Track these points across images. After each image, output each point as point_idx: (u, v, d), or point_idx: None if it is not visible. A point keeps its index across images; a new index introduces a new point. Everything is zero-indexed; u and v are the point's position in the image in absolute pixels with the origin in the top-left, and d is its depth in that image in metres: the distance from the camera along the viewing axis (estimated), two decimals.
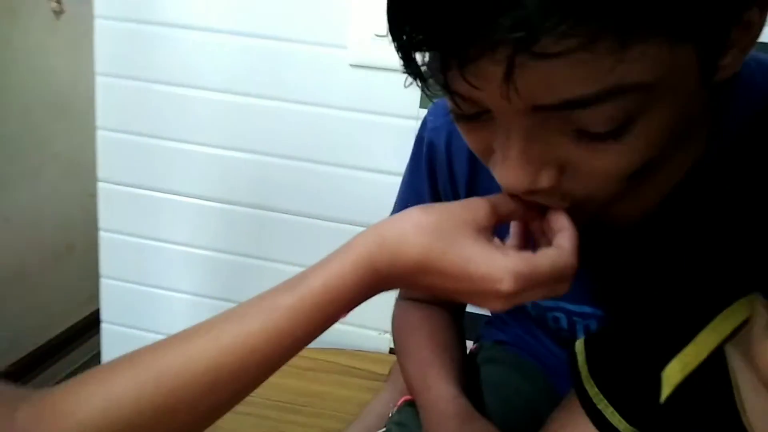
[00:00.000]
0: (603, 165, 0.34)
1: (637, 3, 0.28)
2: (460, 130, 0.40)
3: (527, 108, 0.32)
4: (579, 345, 0.50)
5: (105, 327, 1.20)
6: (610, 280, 0.54)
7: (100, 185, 1.11)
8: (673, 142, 0.36)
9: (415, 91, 0.95)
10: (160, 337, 0.37)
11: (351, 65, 0.96)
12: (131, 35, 1.02)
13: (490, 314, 0.78)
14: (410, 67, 0.35)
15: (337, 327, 1.07)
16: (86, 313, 1.53)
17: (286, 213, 1.06)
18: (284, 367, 0.97)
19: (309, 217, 1.06)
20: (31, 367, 1.39)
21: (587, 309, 0.58)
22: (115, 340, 1.20)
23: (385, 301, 1.04)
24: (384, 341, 1.09)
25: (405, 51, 0.34)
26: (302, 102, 1.00)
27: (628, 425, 0.44)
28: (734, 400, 0.42)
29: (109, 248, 1.15)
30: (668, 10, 0.29)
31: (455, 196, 0.58)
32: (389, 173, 1.00)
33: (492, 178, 0.56)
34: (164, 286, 1.15)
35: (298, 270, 0.41)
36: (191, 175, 1.08)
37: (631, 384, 0.45)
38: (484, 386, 0.65)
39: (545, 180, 0.35)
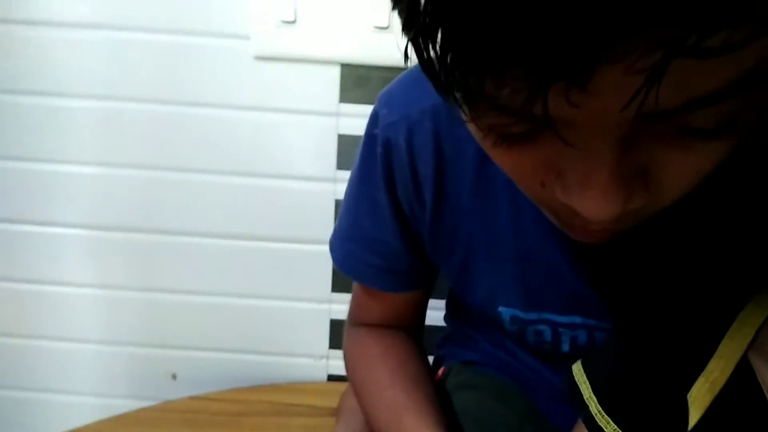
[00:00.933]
0: (695, 168, 0.27)
1: None
2: (496, 154, 0.30)
3: (636, 116, 0.23)
4: (579, 372, 0.42)
5: None
6: (605, 285, 0.46)
7: None
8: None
9: (332, 84, 0.84)
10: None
11: (255, 58, 0.83)
12: None
13: (449, 328, 0.69)
14: (472, 95, 0.25)
15: (267, 359, 0.96)
16: None
17: (190, 235, 0.91)
18: (211, 417, 0.84)
19: (218, 238, 0.91)
20: None
21: (577, 319, 0.50)
22: None
23: (316, 324, 0.94)
24: (321, 368, 0.97)
25: (473, 74, 0.23)
26: (199, 104, 0.85)
27: None
28: None
29: None
30: None
31: (419, 203, 0.48)
32: (310, 179, 0.88)
33: (463, 181, 0.46)
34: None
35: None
36: (63, 201, 0.90)
37: (653, 414, 0.38)
38: (462, 418, 0.55)
39: (638, 200, 0.27)
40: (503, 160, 0.30)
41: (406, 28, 0.24)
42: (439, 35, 0.23)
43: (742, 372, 0.35)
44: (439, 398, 0.55)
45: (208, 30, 0.82)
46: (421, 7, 0.22)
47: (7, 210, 0.90)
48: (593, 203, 0.27)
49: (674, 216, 0.35)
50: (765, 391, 0.35)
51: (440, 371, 0.63)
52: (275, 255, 0.91)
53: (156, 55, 0.83)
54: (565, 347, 0.51)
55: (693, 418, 0.36)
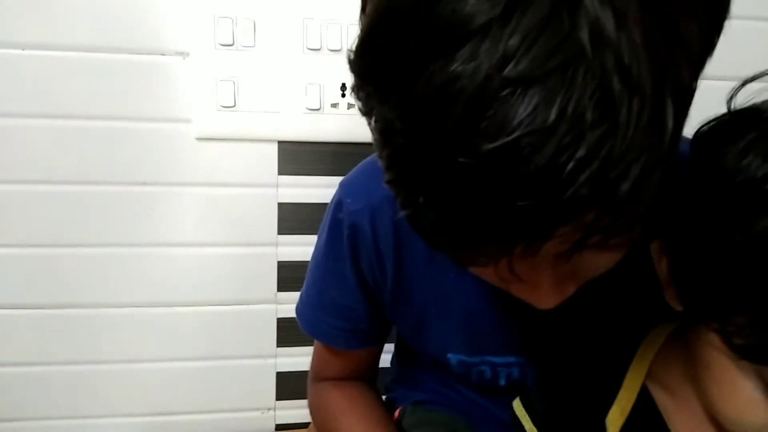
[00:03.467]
0: (608, 262, 0.38)
1: None
2: (471, 270, 0.40)
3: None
4: (518, 407, 0.52)
5: None
6: (532, 328, 0.57)
7: None
8: None
9: (271, 159, 0.91)
10: None
11: (197, 138, 0.89)
12: None
13: (397, 371, 0.77)
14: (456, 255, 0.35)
15: (213, 417, 0.98)
16: None
17: (131, 306, 0.94)
18: None
19: (166, 306, 0.94)
20: None
21: (511, 359, 0.60)
22: None
23: (261, 376, 0.99)
24: (269, 420, 1.01)
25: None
26: (147, 183, 0.89)
27: None
28: (667, 424, 0.47)
29: None
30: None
31: (382, 274, 0.57)
32: (254, 245, 0.94)
33: (417, 254, 0.55)
34: None
35: None
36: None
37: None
38: None
39: (570, 290, 0.39)
40: (472, 269, 0.40)
41: (405, 203, 0.33)
42: (432, 218, 0.32)
43: (644, 397, 0.47)
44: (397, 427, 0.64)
45: (152, 115, 0.87)
46: (420, 199, 0.31)
47: None
48: (541, 300, 0.39)
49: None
50: (661, 411, 0.46)
51: (396, 412, 0.71)
52: (223, 315, 0.95)
53: (101, 138, 0.86)
54: (502, 382, 0.62)
55: None
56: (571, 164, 0.27)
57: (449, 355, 0.61)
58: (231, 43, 0.85)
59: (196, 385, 0.98)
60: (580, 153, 0.26)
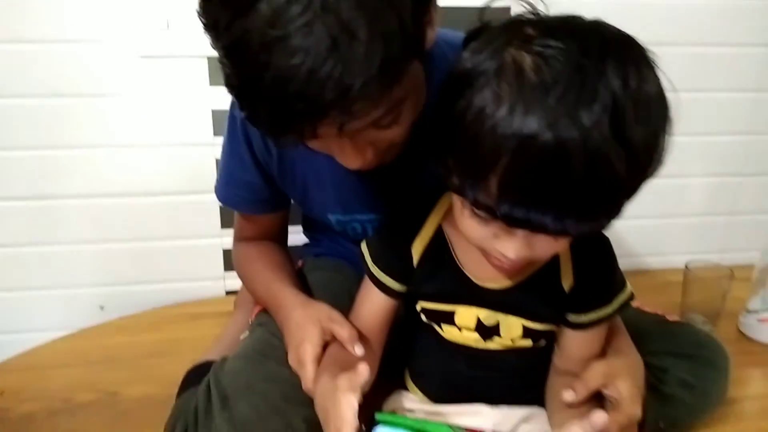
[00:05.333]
0: (394, 133, 0.57)
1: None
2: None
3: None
4: (363, 244, 0.73)
5: None
6: (384, 193, 0.78)
7: None
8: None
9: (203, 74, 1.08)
10: None
11: (142, 57, 1.06)
12: None
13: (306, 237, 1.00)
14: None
15: (175, 286, 1.21)
16: None
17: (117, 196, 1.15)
18: (137, 322, 1.08)
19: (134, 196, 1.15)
20: None
21: (372, 216, 0.81)
22: None
23: (210, 252, 1.20)
24: (219, 287, 1.24)
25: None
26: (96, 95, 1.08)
27: (397, 283, 0.69)
28: (453, 254, 0.68)
29: None
30: (413, 50, 0.51)
31: (269, 154, 0.77)
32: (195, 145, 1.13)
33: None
34: None
35: None
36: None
37: (395, 259, 0.69)
38: (314, 289, 0.85)
39: (370, 155, 0.59)
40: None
41: (239, 106, 0.51)
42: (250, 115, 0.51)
43: (439, 232, 0.68)
44: (299, 278, 0.86)
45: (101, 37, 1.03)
46: (243, 103, 0.51)
47: None
48: (349, 162, 0.59)
49: (412, 151, 0.66)
50: (449, 241, 0.67)
51: (300, 263, 0.94)
52: (175, 204, 1.16)
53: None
54: (368, 234, 0.83)
55: (415, 260, 0.68)
56: (321, 79, 0.46)
57: (329, 215, 0.83)
58: None
59: (161, 261, 1.20)
60: (324, 72, 0.46)
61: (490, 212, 0.50)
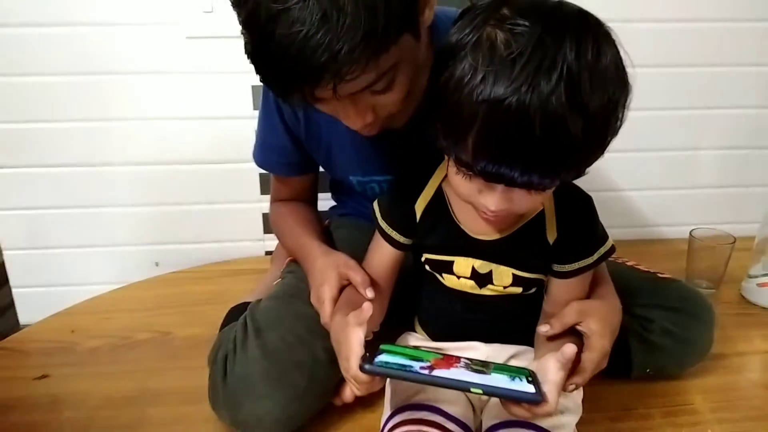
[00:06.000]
0: (390, 99, 0.66)
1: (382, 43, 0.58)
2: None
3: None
4: (374, 202, 0.83)
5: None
6: (398, 156, 0.87)
7: None
8: (415, 80, 0.68)
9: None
10: None
11: (187, 38, 1.18)
12: None
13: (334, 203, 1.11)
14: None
15: (220, 246, 1.35)
16: None
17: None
18: (186, 276, 1.22)
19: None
20: None
21: (388, 177, 0.91)
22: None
23: (250, 216, 1.33)
24: (259, 248, 1.37)
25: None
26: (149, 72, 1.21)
27: (402, 236, 0.79)
28: (451, 210, 0.77)
29: None
30: (401, 26, 0.60)
31: (297, 120, 0.88)
32: (235, 118, 1.25)
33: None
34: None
35: None
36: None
37: (401, 216, 0.79)
38: (337, 242, 0.96)
39: (370, 117, 0.69)
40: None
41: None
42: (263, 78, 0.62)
43: (439, 192, 0.77)
44: (326, 235, 0.96)
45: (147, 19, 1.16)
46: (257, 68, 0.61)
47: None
48: (351, 123, 0.68)
49: (421, 116, 0.74)
50: (448, 200, 0.76)
51: (327, 222, 1.05)
52: (218, 171, 1.29)
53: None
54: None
55: (417, 217, 0.77)
56: (314, 46, 0.55)
57: (350, 177, 0.93)
58: None
59: (208, 223, 1.34)
60: (316, 40, 0.55)
61: (470, 169, 0.59)
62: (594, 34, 0.56)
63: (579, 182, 0.69)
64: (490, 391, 0.62)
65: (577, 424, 0.74)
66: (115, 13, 1.16)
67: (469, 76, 0.55)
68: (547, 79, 0.52)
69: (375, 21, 0.56)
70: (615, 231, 1.10)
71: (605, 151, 0.60)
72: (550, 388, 0.62)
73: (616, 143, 0.60)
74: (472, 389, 0.61)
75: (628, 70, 0.58)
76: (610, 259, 0.77)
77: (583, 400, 0.78)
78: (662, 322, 0.87)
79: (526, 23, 0.54)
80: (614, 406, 0.87)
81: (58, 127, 1.23)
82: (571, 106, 0.53)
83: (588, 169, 0.62)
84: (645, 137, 1.33)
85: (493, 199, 0.62)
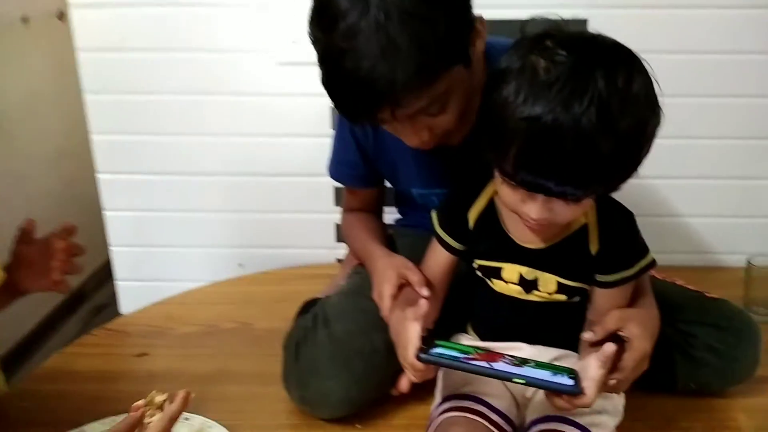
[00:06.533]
0: (443, 120, 0.76)
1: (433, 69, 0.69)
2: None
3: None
4: (432, 211, 0.92)
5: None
6: (456, 171, 0.96)
7: (101, 176, 1.44)
8: (469, 102, 0.77)
9: None
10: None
11: (278, 64, 1.33)
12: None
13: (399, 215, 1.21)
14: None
15: (297, 252, 1.48)
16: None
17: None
18: (266, 277, 1.35)
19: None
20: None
21: (446, 190, 1.00)
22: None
23: (324, 226, 1.45)
24: (331, 256, 1.49)
25: None
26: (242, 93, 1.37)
27: (456, 242, 0.88)
28: (500, 220, 0.85)
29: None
30: (450, 59, 0.70)
31: (366, 136, 0.98)
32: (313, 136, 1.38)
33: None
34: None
35: None
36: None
37: (456, 222, 0.87)
38: (400, 250, 1.04)
39: (426, 136, 0.79)
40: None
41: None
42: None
43: (491, 203, 0.85)
44: (389, 242, 1.06)
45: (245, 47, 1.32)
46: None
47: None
48: (409, 141, 0.80)
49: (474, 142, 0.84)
50: (499, 212, 0.84)
51: (391, 231, 1.15)
52: (296, 183, 1.43)
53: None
54: None
55: (470, 224, 0.85)
56: (375, 77, 0.66)
57: (412, 190, 1.03)
58: None
59: (287, 231, 1.48)
60: (377, 72, 0.66)
61: (512, 179, 0.67)
62: (626, 64, 0.63)
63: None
64: (531, 382, 0.69)
65: (619, 431, 0.79)
66: (217, 41, 1.33)
67: (512, 97, 0.64)
68: (580, 102, 0.60)
69: (426, 55, 0.67)
70: (673, 256, 1.16)
71: (638, 171, 0.67)
72: (588, 384, 0.69)
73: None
74: (514, 379, 0.69)
75: (661, 98, 0.65)
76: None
77: (625, 408, 0.82)
78: (706, 338, 0.90)
79: (564, 53, 0.63)
80: (657, 417, 0.91)
81: (163, 140, 1.41)
82: (601, 127, 0.60)
83: (622, 185, 0.69)
84: (706, 165, 1.35)
85: (534, 208, 0.70)
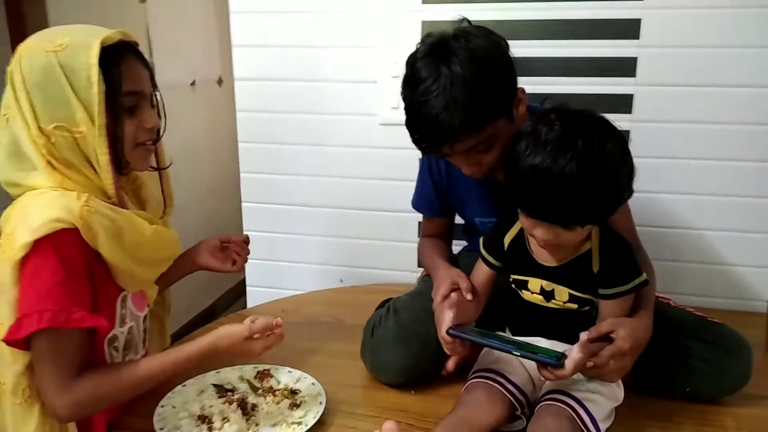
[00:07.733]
0: (490, 157, 1.07)
1: (482, 119, 1.01)
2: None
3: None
4: (481, 237, 1.21)
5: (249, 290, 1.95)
6: (503, 204, 1.24)
7: (244, 204, 1.87)
8: None
9: None
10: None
11: (381, 124, 1.70)
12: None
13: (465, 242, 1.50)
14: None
15: (385, 272, 1.83)
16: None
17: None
18: (359, 290, 1.71)
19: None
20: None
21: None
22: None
23: (410, 254, 1.77)
24: (413, 277, 1.79)
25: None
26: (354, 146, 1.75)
27: (495, 260, 1.15)
28: (527, 243, 1.12)
29: None
30: (494, 113, 1.02)
31: (440, 173, 1.31)
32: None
33: (460, 174, 1.25)
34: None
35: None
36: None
37: (495, 245, 1.15)
38: (462, 267, 1.33)
39: (477, 169, 1.10)
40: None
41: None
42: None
43: (522, 231, 1.13)
44: (453, 261, 1.36)
45: (352, 110, 1.71)
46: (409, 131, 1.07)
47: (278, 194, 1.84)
48: (465, 171, 1.12)
49: None
50: (526, 239, 1.11)
51: (457, 253, 1.45)
52: (386, 217, 1.77)
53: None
54: None
55: (506, 246, 1.14)
56: (440, 123, 1.00)
57: (476, 219, 1.33)
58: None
59: (378, 255, 1.81)
60: (441, 120, 0.99)
61: (523, 209, 0.96)
62: (601, 131, 0.91)
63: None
64: (525, 355, 0.96)
65: (620, 421, 1.02)
66: (338, 107, 1.73)
67: (522, 151, 0.93)
68: (564, 157, 0.88)
69: (475, 111, 0.99)
70: (697, 300, 1.35)
71: (618, 208, 0.94)
72: (568, 363, 0.94)
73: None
74: (513, 351, 0.96)
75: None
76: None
77: (628, 407, 1.04)
78: (700, 351, 1.10)
79: (560, 124, 0.92)
80: (654, 412, 1.10)
81: (290, 179, 1.82)
82: (580, 174, 0.88)
83: (606, 218, 0.96)
84: (733, 218, 1.52)
85: (541, 232, 0.98)
